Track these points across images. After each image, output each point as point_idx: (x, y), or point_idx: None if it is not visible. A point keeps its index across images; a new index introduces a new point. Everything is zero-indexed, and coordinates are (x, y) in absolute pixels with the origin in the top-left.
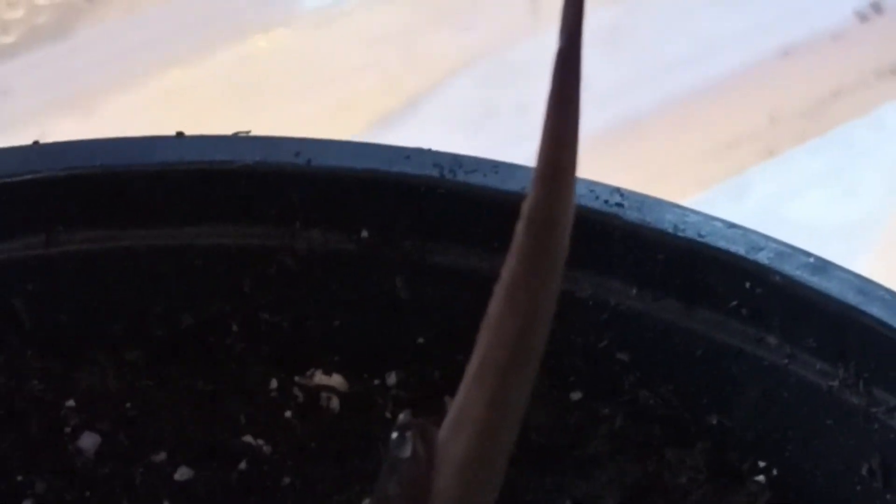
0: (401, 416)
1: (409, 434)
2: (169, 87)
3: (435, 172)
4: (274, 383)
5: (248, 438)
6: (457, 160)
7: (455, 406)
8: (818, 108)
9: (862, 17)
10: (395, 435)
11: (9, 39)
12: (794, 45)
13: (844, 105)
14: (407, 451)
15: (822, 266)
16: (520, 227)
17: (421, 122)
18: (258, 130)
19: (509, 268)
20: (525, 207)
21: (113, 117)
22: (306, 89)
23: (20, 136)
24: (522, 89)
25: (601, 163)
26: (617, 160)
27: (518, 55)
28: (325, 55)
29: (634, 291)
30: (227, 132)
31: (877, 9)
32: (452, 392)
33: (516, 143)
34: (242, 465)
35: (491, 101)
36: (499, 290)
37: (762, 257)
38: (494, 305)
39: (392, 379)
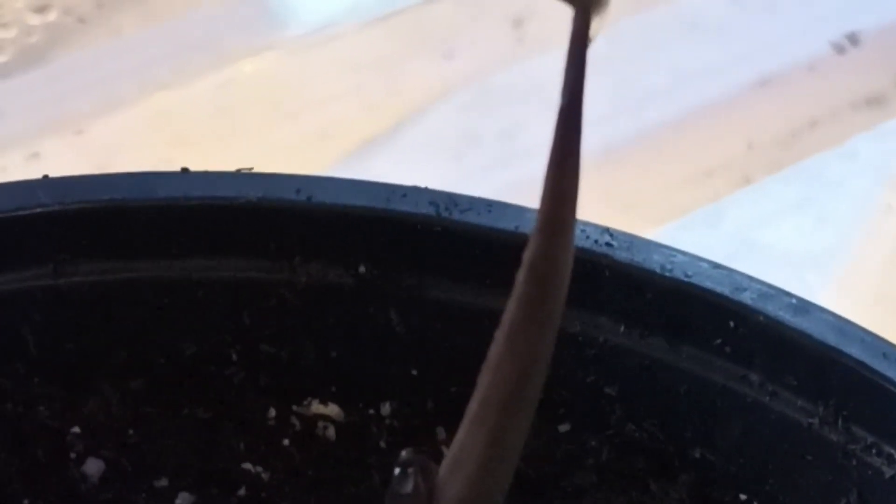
0: (403, 453)
1: (410, 470)
2: (156, 109)
3: (431, 210)
4: (272, 412)
5: (248, 465)
6: (452, 199)
7: (455, 445)
8: (794, 137)
9: (838, 49)
10: (397, 471)
11: (1, 59)
12: (771, 76)
13: (820, 135)
14: (408, 487)
15: (804, 307)
16: (520, 275)
17: (404, 148)
18: (241, 154)
19: (510, 314)
20: (526, 257)
21: (102, 138)
22: (290, 114)
23: (11, 157)
24: (505, 116)
25: (581, 191)
26: (596, 188)
27: (501, 81)
28: (309, 81)
29: (622, 328)
30: (211, 156)
31: (853, 41)
32: (445, 422)
33: (498, 169)
34: (241, 492)
35: (473, 128)
36: (499, 335)
37: (746, 297)
38: (495, 349)
39: (386, 409)
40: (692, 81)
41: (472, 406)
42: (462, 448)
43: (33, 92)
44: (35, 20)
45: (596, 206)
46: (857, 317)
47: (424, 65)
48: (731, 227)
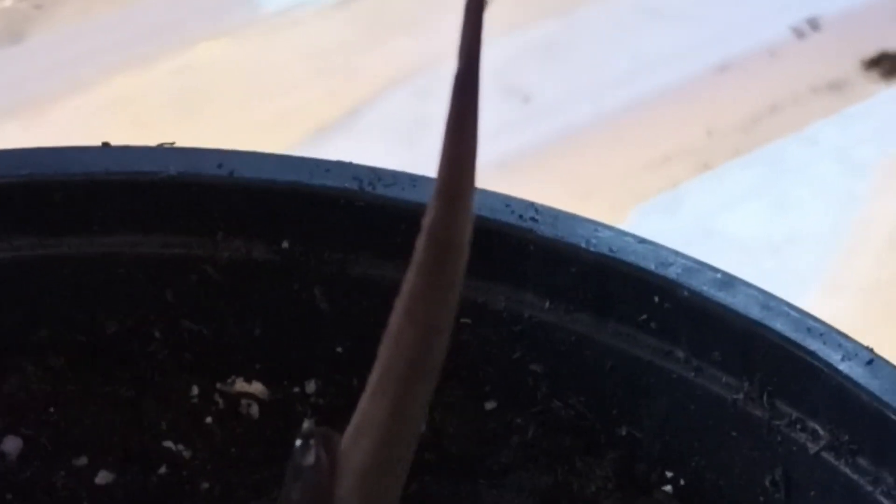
0: (305, 425)
1: (312, 442)
2: (115, 93)
3: (354, 185)
4: (195, 390)
5: (169, 443)
6: (376, 173)
7: (357, 415)
8: (754, 123)
9: (798, 34)
10: (298, 442)
11: None
12: (731, 61)
13: (780, 121)
14: (310, 459)
15: (729, 282)
16: (419, 243)
17: (360, 132)
18: (201, 138)
19: (409, 282)
20: (424, 225)
21: (59, 123)
22: (249, 98)
23: None
24: None
25: (538, 175)
26: (554, 173)
27: None
28: (268, 65)
29: (547, 304)
30: (170, 139)
31: (813, 25)
32: None
33: None
34: (162, 470)
35: (429, 113)
36: (399, 304)
37: (671, 272)
38: (395, 318)
39: (311, 387)
40: (651, 67)
41: (373, 376)
42: (364, 418)
43: None
44: None
45: (554, 193)
46: (815, 304)
47: (384, 50)
48: (690, 213)
